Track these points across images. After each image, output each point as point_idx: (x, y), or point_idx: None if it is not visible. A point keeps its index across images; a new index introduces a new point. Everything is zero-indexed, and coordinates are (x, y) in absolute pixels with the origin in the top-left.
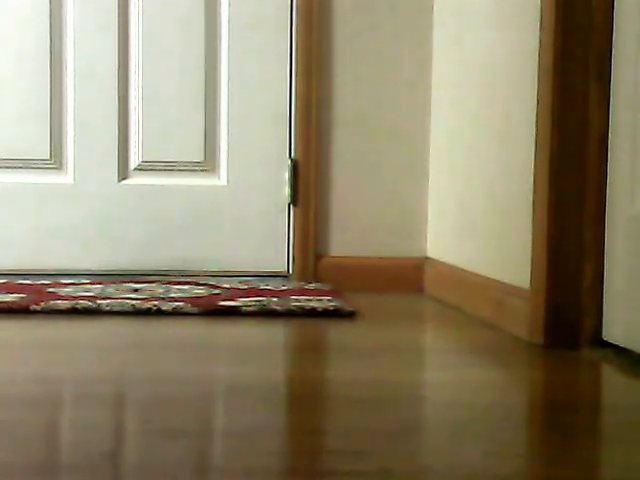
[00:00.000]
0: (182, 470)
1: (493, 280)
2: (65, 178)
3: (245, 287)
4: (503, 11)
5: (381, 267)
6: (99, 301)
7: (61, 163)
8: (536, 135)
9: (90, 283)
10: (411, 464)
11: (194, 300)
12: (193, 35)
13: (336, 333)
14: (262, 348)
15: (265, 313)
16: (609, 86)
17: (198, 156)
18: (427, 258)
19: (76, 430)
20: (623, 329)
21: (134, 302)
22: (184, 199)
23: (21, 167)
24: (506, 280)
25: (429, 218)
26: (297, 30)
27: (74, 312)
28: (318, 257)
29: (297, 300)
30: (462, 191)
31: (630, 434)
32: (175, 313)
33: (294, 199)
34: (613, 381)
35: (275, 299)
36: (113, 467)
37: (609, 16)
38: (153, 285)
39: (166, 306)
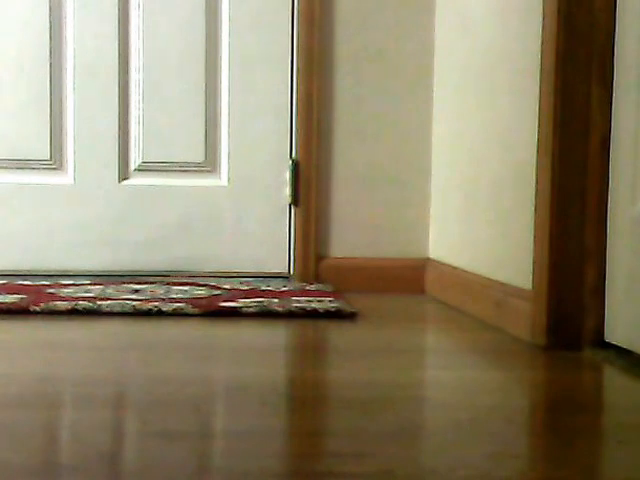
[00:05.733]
0: (181, 472)
1: (495, 281)
2: (65, 178)
3: (246, 288)
4: (505, 12)
5: (382, 268)
6: (99, 302)
7: (61, 163)
8: (538, 137)
9: (90, 284)
10: (412, 466)
11: (195, 301)
12: (193, 35)
13: (337, 334)
14: (263, 349)
15: (266, 314)
16: (611, 88)
17: (199, 156)
18: (428, 259)
19: (75, 431)
20: (625, 330)
21: (134, 303)
22: (185, 200)
23: (21, 167)
24: (508, 281)
25: (430, 219)
26: (298, 30)
27: (74, 313)
28: (319, 258)
29: (298, 301)
30: (464, 192)
31: (632, 435)
32: (176, 314)
33: (295, 199)
34: (615, 382)
35: (276, 300)
36: (112, 468)
37: (611, 18)
38: (153, 286)
39: (167, 307)
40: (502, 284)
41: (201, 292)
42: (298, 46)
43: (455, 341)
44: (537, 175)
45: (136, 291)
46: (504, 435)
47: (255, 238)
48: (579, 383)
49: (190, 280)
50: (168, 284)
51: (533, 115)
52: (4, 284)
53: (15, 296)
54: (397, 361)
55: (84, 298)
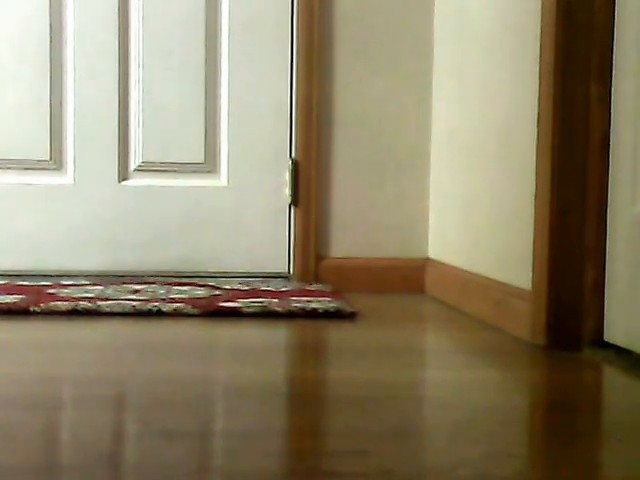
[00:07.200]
0: (182, 471)
1: (494, 281)
2: (65, 179)
3: (246, 288)
4: (504, 10)
5: (382, 268)
6: (99, 302)
7: (61, 164)
8: (537, 136)
9: (90, 284)
10: (411, 465)
11: (194, 301)
12: (193, 35)
13: (337, 334)
14: (263, 349)
15: (266, 314)
16: (610, 86)
17: (198, 157)
18: (428, 259)
19: (76, 431)
20: (624, 330)
21: (134, 303)
22: (184, 200)
23: (21, 167)
24: (507, 281)
25: (430, 219)
26: (298, 30)
27: (74, 313)
28: (319, 258)
29: (298, 301)
30: (463, 191)
31: (631, 435)
32: (175, 314)
33: (295, 200)
34: (614, 382)
35: (276, 300)
36: (112, 468)
37: (610, 16)
38: (153, 286)
39: (166, 307)
40: (502, 284)
41: (201, 292)
42: (298, 46)
43: (455, 341)
44: (537, 174)
45: (136, 291)
46: (503, 435)
47: (255, 238)
48: (579, 383)
49: (190, 280)
50: (168, 284)
51: (532, 114)
52: (4, 284)
53: (15, 296)
54: (397, 361)
55: (84, 298)
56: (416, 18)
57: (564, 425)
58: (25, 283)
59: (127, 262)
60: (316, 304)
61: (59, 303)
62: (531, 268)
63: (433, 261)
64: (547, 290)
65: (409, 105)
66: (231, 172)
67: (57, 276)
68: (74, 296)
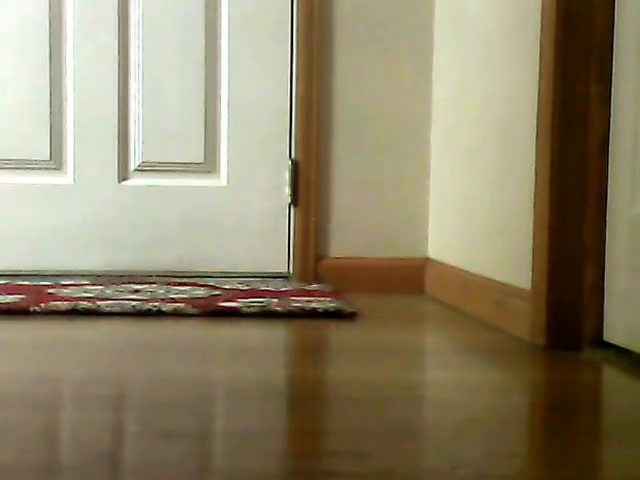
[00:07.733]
0: (181, 472)
1: (494, 281)
2: (65, 179)
3: (245, 288)
4: (504, 9)
5: (382, 268)
6: (99, 302)
7: (61, 164)
8: (537, 136)
9: (90, 284)
10: (412, 465)
11: (194, 301)
12: (193, 35)
13: (337, 334)
14: (263, 349)
15: (265, 314)
16: (610, 86)
17: (198, 157)
18: (428, 259)
19: (75, 431)
20: (624, 330)
21: (134, 303)
22: (184, 200)
23: (21, 167)
24: (507, 281)
25: (430, 219)
26: (298, 30)
27: (74, 313)
28: (318, 258)
29: (298, 301)
30: (463, 191)
31: (631, 435)
32: (175, 314)
33: (294, 199)
34: (614, 382)
35: (275, 300)
36: (112, 468)
37: (610, 16)
38: (153, 286)
39: (166, 307)
40: (501, 284)
41: (201, 292)
42: (298, 45)
43: (454, 341)
44: (536, 174)
45: (136, 291)
46: (503, 435)
47: (255, 238)
48: (578, 383)
49: (190, 280)
50: (168, 284)
51: (532, 114)
52: (4, 284)
53: (15, 296)
54: (396, 361)
55: (84, 298)
56: (416, 18)
57: (564, 425)
58: (25, 283)
59: (127, 262)
60: (316, 304)
61: (59, 303)
62: (531, 268)
63: (433, 261)
64: (547, 290)
65: (409, 105)
66: (231, 172)
67: (57, 276)
68: (74, 296)
